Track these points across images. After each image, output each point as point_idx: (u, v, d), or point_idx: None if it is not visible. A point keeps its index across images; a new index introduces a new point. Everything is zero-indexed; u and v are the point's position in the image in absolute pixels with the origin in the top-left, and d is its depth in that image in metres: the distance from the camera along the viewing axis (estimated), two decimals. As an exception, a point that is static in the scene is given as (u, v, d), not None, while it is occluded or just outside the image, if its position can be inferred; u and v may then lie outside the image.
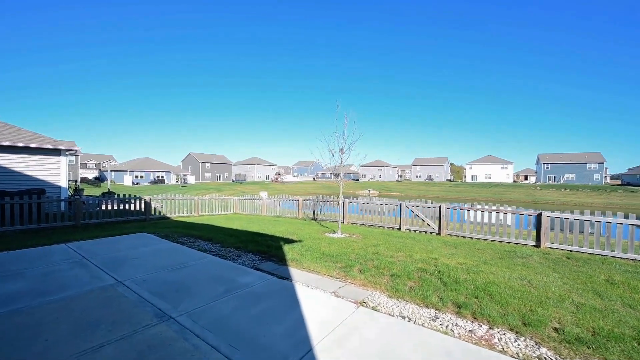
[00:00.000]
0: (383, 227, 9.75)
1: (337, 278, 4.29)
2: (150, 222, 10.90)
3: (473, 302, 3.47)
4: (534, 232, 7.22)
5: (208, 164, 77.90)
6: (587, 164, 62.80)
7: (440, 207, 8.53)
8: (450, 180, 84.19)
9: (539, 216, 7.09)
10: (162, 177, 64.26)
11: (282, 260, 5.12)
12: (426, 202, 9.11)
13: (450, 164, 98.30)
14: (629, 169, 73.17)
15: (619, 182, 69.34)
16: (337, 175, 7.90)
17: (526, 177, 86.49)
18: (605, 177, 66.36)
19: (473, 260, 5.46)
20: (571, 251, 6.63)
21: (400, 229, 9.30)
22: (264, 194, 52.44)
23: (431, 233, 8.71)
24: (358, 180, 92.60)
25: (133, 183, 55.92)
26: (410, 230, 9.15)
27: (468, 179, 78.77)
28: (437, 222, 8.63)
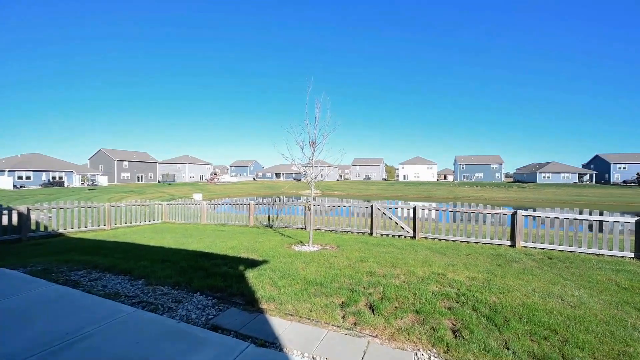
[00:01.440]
0: (353, 232, 8.66)
1: (347, 329, 2.85)
2: (28, 243, 7.53)
3: (555, 353, 2.46)
4: (508, 231, 7.05)
5: (126, 163, 66.32)
6: (491, 165, 75.07)
7: (415, 209, 7.85)
8: (385, 180, 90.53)
9: (513, 215, 6.93)
10: (61, 178, 51.72)
11: (251, 302, 3.40)
12: (397, 203, 8.37)
13: (385, 164, 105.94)
14: (517, 169, 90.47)
15: (511, 179, 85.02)
16: (302, 175, 6.47)
17: (445, 176, 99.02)
18: (502, 175, 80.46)
19: (477, 271, 4.70)
20: (543, 249, 6.60)
21: (372, 233, 8.34)
22: (198, 197, 47.08)
23: (405, 237, 7.97)
24: (300, 179, 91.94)
25: (15, 186, 43.20)
26: (382, 234, 8.26)
27: (400, 178, 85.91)
28: (412, 224, 7.94)
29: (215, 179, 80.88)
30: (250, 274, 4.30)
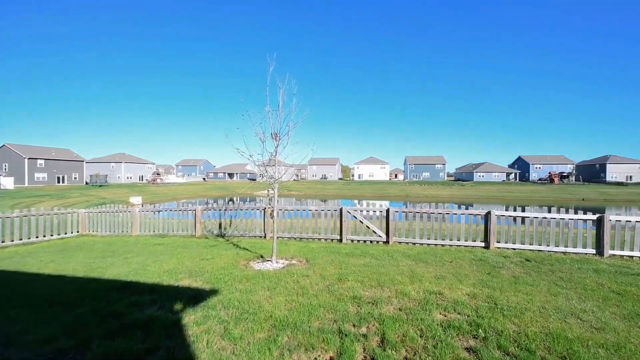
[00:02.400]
0: (320, 239, 7.65)
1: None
2: None
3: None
4: (482, 232, 6.79)
5: (41, 161, 55.57)
6: (436, 165, 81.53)
7: (388, 212, 7.18)
8: (341, 179, 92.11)
9: (487, 216, 6.68)
10: (-55, 180, 40.93)
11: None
12: (368, 204, 7.62)
13: (341, 164, 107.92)
14: (456, 169, 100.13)
15: (453, 178, 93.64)
16: (269, 176, 5.25)
17: (396, 175, 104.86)
18: (445, 175, 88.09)
19: (472, 284, 4.08)
20: (515, 249, 6.46)
21: (342, 240, 7.44)
22: (136, 200, 41.58)
23: (378, 242, 7.26)
24: (255, 179, 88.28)
25: None
26: (354, 240, 7.42)
27: (356, 178, 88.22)
28: (385, 228, 7.26)
29: (159, 180, 72.98)
30: (191, 318, 2.98)
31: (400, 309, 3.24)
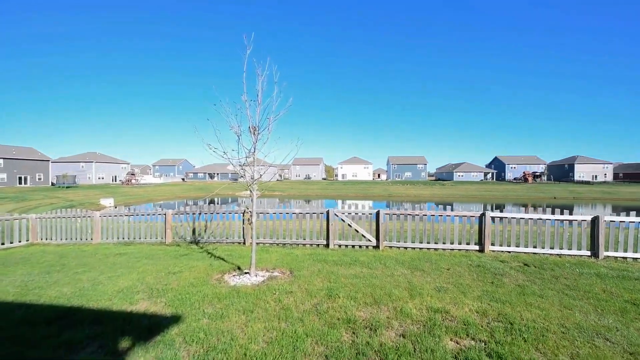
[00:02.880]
0: (305, 244, 7.03)
1: None
2: None
3: None
4: (476, 235, 6.44)
5: (0, 160, 51.04)
6: (417, 165, 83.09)
7: (378, 214, 6.68)
8: (325, 179, 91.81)
9: (481, 217, 6.34)
10: None
11: None
12: (357, 206, 7.10)
13: (324, 164, 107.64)
14: (437, 169, 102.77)
15: (433, 178, 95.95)
16: (247, 176, 4.54)
17: (379, 175, 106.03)
18: (426, 174, 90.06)
19: (477, 297, 3.63)
20: (510, 252, 6.16)
21: (328, 245, 6.86)
22: (107, 202, 39.01)
23: (368, 247, 6.75)
24: (237, 180, 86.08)
25: None
26: (341, 245, 6.86)
27: (339, 178, 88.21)
28: (375, 232, 6.76)
29: (133, 180, 69.33)
30: (139, 363, 2.27)
31: (403, 335, 2.70)
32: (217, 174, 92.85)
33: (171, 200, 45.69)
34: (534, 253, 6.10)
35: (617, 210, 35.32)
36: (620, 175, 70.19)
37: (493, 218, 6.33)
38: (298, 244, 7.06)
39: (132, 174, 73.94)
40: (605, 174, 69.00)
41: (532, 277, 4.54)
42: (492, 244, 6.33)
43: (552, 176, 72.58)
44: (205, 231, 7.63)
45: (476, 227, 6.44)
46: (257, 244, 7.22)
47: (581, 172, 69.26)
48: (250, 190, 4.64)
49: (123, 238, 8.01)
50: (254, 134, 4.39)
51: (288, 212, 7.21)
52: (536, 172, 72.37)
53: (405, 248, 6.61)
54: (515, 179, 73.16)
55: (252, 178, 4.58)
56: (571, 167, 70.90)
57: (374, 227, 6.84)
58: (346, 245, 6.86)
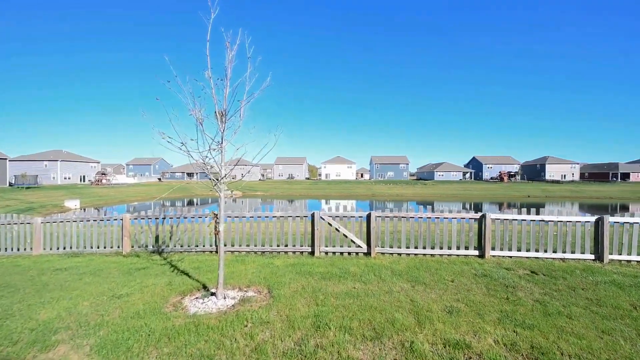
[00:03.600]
0: (287, 252, 6.18)
1: None
2: None
3: None
4: (475, 238, 5.89)
5: (-53, 158, 45.81)
6: (400, 164, 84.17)
7: (369, 217, 5.96)
8: (308, 179, 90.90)
9: (481, 219, 5.79)
10: None
11: None
12: (346, 208, 6.35)
13: (308, 163, 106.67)
14: (417, 168, 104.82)
15: (415, 177, 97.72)
16: (216, 174, 3.62)
17: (362, 175, 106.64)
18: (408, 174, 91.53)
19: (497, 321, 2.97)
20: (512, 257, 5.66)
21: (314, 252, 6.05)
22: (73, 203, 36.09)
23: (358, 254, 6.01)
24: (218, 180, 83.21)
25: None
26: (328, 252, 6.08)
27: (323, 177, 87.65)
28: (366, 237, 6.04)
29: (104, 180, 65.14)
30: None
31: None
32: (196, 173, 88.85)
33: (146, 201, 42.96)
34: (536, 258, 5.62)
35: (583, 207, 37.20)
36: (586, 175, 74.69)
37: (494, 220, 5.80)
38: (279, 252, 6.21)
39: (102, 174, 69.42)
40: (572, 174, 73.14)
41: (546, 288, 3.98)
42: (493, 249, 5.79)
43: (525, 175, 75.99)
44: (170, 238, 6.59)
45: (475, 228, 5.88)
46: (232, 252, 6.28)
47: (551, 171, 72.98)
48: (218, 192, 3.74)
49: (71, 248, 6.77)
50: (222, 120, 3.49)
51: (268, 215, 6.32)
52: (511, 172, 75.47)
53: (399, 254, 5.94)
54: (492, 178, 75.87)
55: (222, 176, 3.67)
56: (542, 167, 74.53)
57: (364, 230, 6.12)
58: (334, 252, 6.09)
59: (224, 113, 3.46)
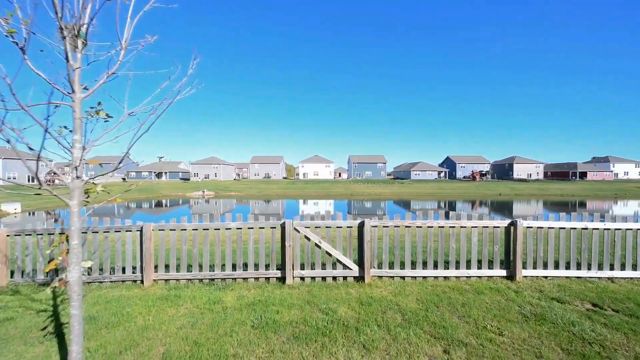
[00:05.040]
0: (247, 278, 4.35)
1: None
2: None
3: None
4: (501, 252, 4.43)
5: None
6: (377, 164, 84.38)
7: (362, 226, 4.29)
8: (286, 178, 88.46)
9: (510, 228, 4.34)
10: None
11: None
12: (329, 215, 4.62)
13: (285, 162, 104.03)
14: (394, 168, 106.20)
15: (392, 176, 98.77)
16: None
17: (340, 174, 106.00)
18: (385, 173, 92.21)
19: None
20: (547, 277, 4.27)
21: (285, 279, 4.27)
22: (11, 207, 31.22)
23: (346, 278, 4.33)
24: (189, 179, 78.40)
25: None
26: (305, 278, 4.33)
27: (301, 177, 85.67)
28: (358, 254, 4.37)
29: (57, 180, 58.47)
30: None
31: None
32: (166, 172, 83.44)
33: (108, 204, 38.39)
34: (577, 277, 4.29)
35: (547, 205, 38.63)
36: (549, 174, 79.40)
37: (527, 228, 4.36)
38: (235, 278, 4.35)
39: (54, 173, 62.21)
40: (537, 173, 77.36)
41: (632, 341, 2.53)
42: (524, 266, 4.37)
43: (495, 175, 79.24)
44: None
45: (501, 238, 4.42)
46: (167, 281, 4.33)
47: (519, 170, 76.67)
48: (70, 198, 1.86)
49: None
50: (74, 44, 1.61)
51: (219, 227, 4.42)
52: (482, 171, 78.34)
53: (402, 278, 4.33)
54: (464, 177, 78.25)
55: (76, 165, 1.79)
56: (510, 167, 78.10)
57: (354, 244, 4.45)
58: (313, 278, 4.35)
59: (78, 29, 1.58)
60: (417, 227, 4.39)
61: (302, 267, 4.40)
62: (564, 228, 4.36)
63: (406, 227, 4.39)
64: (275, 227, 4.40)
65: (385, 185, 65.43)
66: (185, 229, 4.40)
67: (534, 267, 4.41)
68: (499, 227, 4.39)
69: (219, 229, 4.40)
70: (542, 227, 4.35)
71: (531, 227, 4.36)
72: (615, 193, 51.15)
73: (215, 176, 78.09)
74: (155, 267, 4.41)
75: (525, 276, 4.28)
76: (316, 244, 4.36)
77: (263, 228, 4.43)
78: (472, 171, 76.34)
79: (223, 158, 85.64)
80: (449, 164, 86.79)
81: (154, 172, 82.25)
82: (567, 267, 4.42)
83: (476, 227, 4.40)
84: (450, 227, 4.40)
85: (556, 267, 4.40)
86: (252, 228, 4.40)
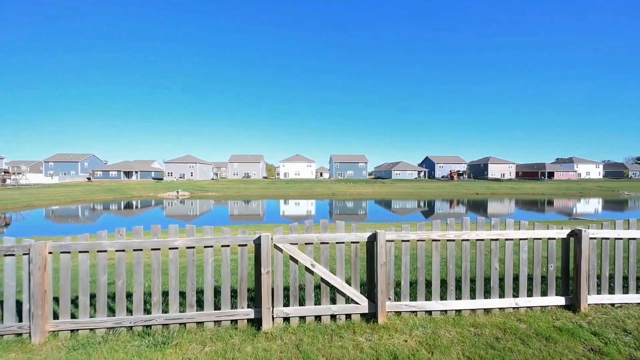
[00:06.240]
0: (203, 322, 2.88)
1: None
2: None
3: None
4: (557, 272, 3.28)
5: None
6: (359, 163, 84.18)
7: (375, 239, 2.97)
8: (266, 178, 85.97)
9: (569, 240, 3.20)
10: None
11: None
12: (326, 227, 3.24)
13: (265, 162, 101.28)
14: (375, 167, 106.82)
15: (373, 176, 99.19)
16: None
17: (321, 174, 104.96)
18: (367, 173, 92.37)
19: None
20: (619, 305, 3.19)
21: (260, 321, 2.86)
22: None
23: (350, 317, 2.99)
24: (162, 179, 73.86)
25: None
26: (290, 318, 2.94)
27: (281, 176, 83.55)
28: (368, 282, 3.04)
29: (9, 180, 52.71)
30: None
31: None
32: (136, 172, 77.93)
33: (67, 205, 34.32)
34: (653, 303, 3.24)
35: (519, 204, 39.85)
36: (520, 173, 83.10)
37: (592, 239, 3.24)
38: (185, 324, 2.86)
39: (6, 172, 56.13)
40: (510, 172, 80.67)
41: None
42: (588, 292, 3.25)
43: (471, 174, 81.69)
44: None
45: (558, 253, 3.27)
46: (74, 331, 2.76)
47: (493, 170, 79.53)
48: None
49: None
50: None
51: (158, 245, 2.91)
52: (459, 171, 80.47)
53: (429, 313, 3.06)
54: (443, 176, 79.96)
55: None
56: (485, 167, 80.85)
57: (359, 266, 3.12)
58: (302, 317, 2.96)
59: None
60: (450, 239, 3.13)
61: (287, 302, 3.00)
62: (635, 239, 3.30)
63: (434, 240, 3.11)
64: (245, 245, 2.96)
65: (367, 185, 65.18)
66: (104, 250, 2.84)
67: (598, 291, 3.32)
68: (554, 238, 3.23)
69: (158, 249, 2.88)
70: (607, 238, 3.26)
71: (594, 238, 3.25)
72: (581, 192, 54.17)
73: (192, 176, 74.04)
74: (55, 312, 2.82)
75: (591, 304, 3.16)
76: (307, 268, 2.98)
77: (227, 246, 2.97)
78: (449, 171, 78.18)
79: (200, 157, 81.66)
80: (428, 164, 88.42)
81: (123, 171, 76.67)
82: (638, 290, 3.36)
83: (525, 239, 3.22)
84: (492, 240, 3.18)
85: (624, 290, 3.33)
86: (210, 246, 2.93)
